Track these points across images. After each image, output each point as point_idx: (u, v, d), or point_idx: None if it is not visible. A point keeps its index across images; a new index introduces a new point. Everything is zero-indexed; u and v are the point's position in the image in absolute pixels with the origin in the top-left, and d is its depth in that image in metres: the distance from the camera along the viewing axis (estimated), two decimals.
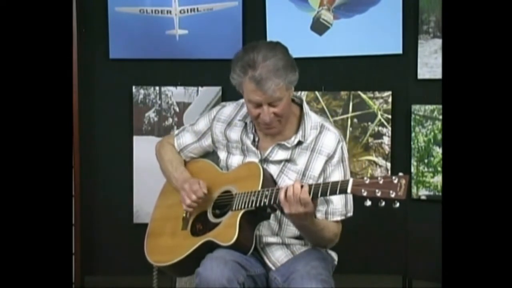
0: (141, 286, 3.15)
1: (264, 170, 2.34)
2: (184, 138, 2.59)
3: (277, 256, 2.39)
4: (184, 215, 2.45)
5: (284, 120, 2.35)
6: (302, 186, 2.14)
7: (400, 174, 2.05)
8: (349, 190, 2.09)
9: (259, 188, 2.29)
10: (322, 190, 2.14)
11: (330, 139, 2.38)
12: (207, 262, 2.23)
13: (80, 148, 3.25)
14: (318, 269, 2.27)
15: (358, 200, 2.31)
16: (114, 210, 3.31)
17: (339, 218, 2.36)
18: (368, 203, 2.06)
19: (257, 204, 2.25)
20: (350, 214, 2.38)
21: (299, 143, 2.37)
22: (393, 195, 2.02)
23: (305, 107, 2.41)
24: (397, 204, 2.03)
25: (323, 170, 2.37)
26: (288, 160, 2.38)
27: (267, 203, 2.25)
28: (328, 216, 2.36)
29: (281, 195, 2.17)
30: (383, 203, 2.04)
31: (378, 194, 2.03)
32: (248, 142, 2.42)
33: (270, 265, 2.38)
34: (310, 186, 2.16)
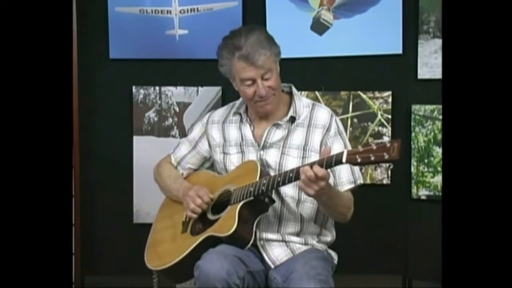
0: (141, 286, 3.15)
1: (261, 167, 2.36)
2: (180, 151, 2.61)
3: (277, 254, 2.39)
4: (184, 219, 2.46)
5: (278, 94, 2.40)
6: (310, 166, 2.15)
7: (393, 139, 2.07)
8: (344, 159, 2.11)
9: (257, 179, 2.31)
10: (319, 164, 2.15)
11: (323, 113, 2.44)
12: (207, 255, 2.24)
13: (80, 148, 3.25)
14: (317, 269, 2.27)
15: (358, 193, 2.33)
16: (114, 210, 3.31)
17: (348, 187, 2.36)
18: (363, 169, 2.09)
19: (255, 193, 2.27)
20: (360, 181, 2.40)
21: (293, 119, 2.42)
22: (387, 157, 2.04)
23: (295, 91, 2.48)
24: (391, 166, 2.06)
25: (324, 143, 2.39)
26: (285, 138, 2.41)
27: (265, 190, 2.26)
28: (337, 187, 2.36)
29: (301, 185, 2.17)
30: (378, 169, 2.06)
31: (372, 158, 2.06)
32: (247, 133, 2.46)
33: (269, 262, 2.38)
34: (310, 164, 2.18)
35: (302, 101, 2.46)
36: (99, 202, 3.32)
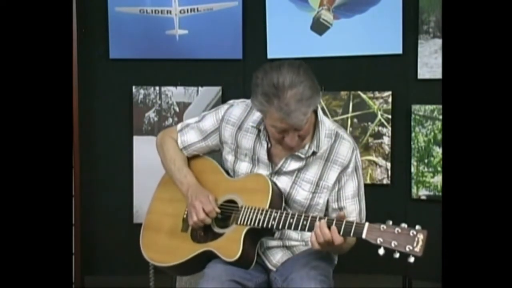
0: (141, 286, 3.15)
1: (273, 186, 2.29)
2: (189, 136, 2.50)
3: (278, 258, 2.38)
4: (185, 216, 2.44)
5: (306, 137, 2.28)
6: (327, 227, 2.10)
7: (418, 227, 2.02)
8: (364, 235, 2.06)
9: (267, 206, 2.24)
10: (337, 228, 2.11)
11: (345, 148, 2.32)
12: (203, 283, 2.22)
13: (80, 148, 3.25)
14: (317, 270, 2.26)
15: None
16: (114, 210, 3.31)
17: None
18: (382, 251, 2.02)
19: (264, 225, 2.22)
20: (363, 220, 2.34)
21: (313, 153, 2.31)
22: (408, 250, 1.99)
23: (320, 114, 2.31)
24: (412, 259, 1.99)
25: (338, 180, 2.32)
26: (301, 170, 2.33)
27: (275, 226, 2.21)
28: None
29: (314, 243, 2.13)
30: (398, 255, 2.01)
31: (393, 245, 2.01)
32: (262, 152, 2.34)
33: (271, 267, 2.37)
34: (327, 223, 2.12)
35: (325, 129, 2.31)
36: (99, 202, 3.32)
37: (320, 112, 2.33)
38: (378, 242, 2.03)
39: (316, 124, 2.31)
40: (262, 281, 2.33)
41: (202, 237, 2.36)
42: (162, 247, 2.43)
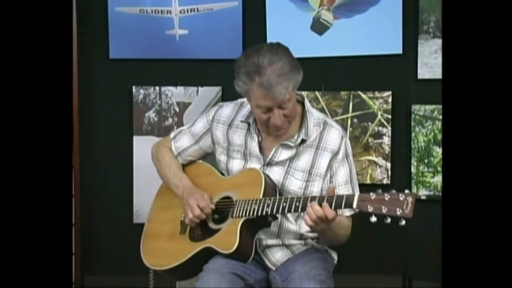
0: (141, 286, 3.15)
1: (265, 177, 2.32)
2: (182, 141, 2.56)
3: (277, 258, 2.38)
4: (182, 218, 2.44)
5: (293, 120, 2.32)
6: (320, 205, 2.12)
7: (406, 191, 2.05)
8: (354, 205, 2.09)
9: (261, 196, 2.27)
10: (328, 204, 2.12)
11: (334, 135, 2.37)
12: (204, 276, 2.23)
13: (80, 148, 3.25)
14: (317, 270, 2.27)
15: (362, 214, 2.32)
16: (114, 210, 3.31)
17: (349, 214, 2.33)
18: (374, 218, 2.06)
19: (259, 213, 2.24)
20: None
21: (303, 141, 2.35)
22: (399, 213, 2.02)
23: (307, 104, 2.39)
24: (403, 222, 2.03)
25: (329, 167, 2.35)
26: (292, 159, 2.36)
27: (269, 212, 2.23)
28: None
29: (308, 221, 2.14)
30: (389, 220, 2.04)
31: (384, 211, 2.04)
32: (253, 145, 2.39)
33: (270, 266, 2.38)
34: (318, 200, 2.14)
35: (313, 118, 2.37)
36: (99, 202, 3.32)
37: (307, 103, 2.38)
38: (369, 210, 2.06)
39: (303, 114, 2.37)
40: (261, 278, 2.34)
41: (200, 236, 2.37)
42: (162, 251, 2.45)
